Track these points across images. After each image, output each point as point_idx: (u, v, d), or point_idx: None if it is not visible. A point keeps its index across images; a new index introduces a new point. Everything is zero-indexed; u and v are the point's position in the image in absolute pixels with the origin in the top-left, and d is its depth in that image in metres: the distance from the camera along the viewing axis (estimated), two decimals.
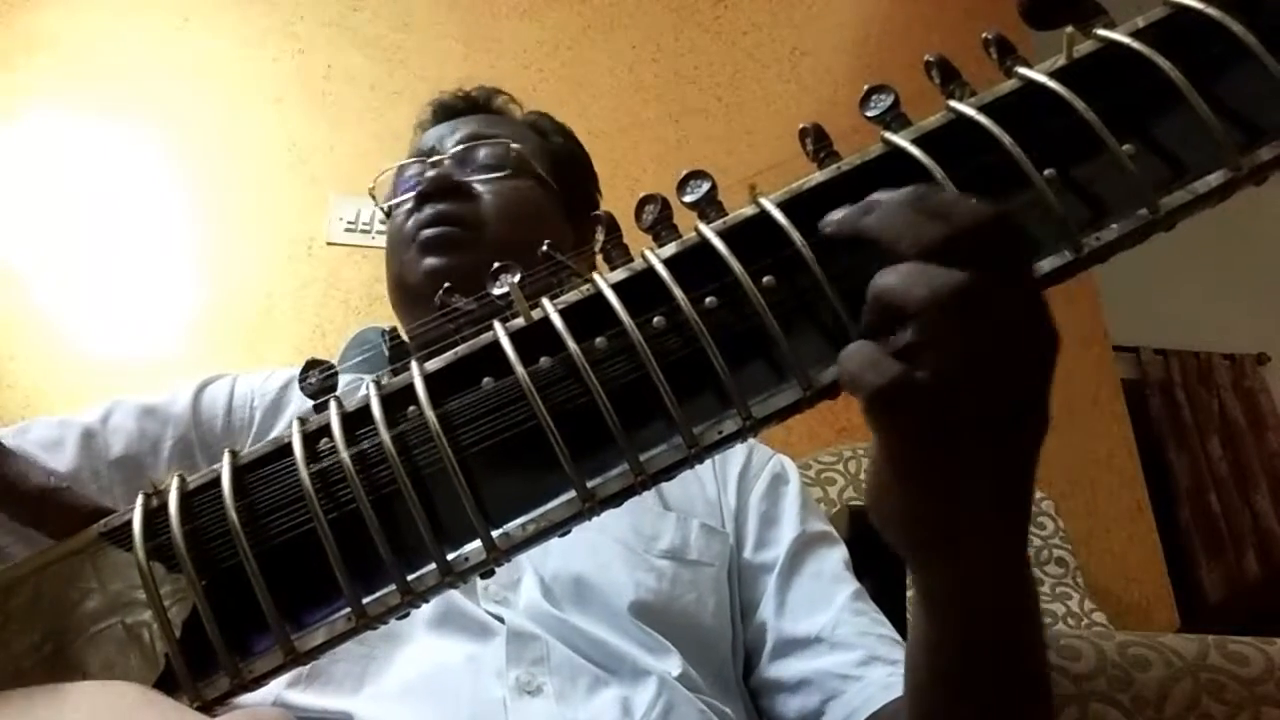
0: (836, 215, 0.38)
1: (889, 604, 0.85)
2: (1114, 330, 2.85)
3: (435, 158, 0.98)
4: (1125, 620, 2.27)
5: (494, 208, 0.95)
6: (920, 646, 0.55)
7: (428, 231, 0.92)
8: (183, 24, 2.39)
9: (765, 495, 0.88)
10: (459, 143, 1.00)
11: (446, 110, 1.08)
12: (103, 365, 2.02)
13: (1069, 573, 2.16)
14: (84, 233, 2.16)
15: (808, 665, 0.77)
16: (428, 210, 0.94)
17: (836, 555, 0.85)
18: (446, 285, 0.39)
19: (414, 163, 1.01)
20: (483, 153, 1.00)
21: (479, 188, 0.96)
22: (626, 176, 2.49)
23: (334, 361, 1.05)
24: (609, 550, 0.78)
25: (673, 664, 0.73)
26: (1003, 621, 0.49)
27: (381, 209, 1.03)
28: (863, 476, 2.10)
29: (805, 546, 0.84)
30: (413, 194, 0.96)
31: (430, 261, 0.91)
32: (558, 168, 1.04)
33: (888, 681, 0.72)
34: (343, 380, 0.90)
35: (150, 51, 2.35)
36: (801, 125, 0.41)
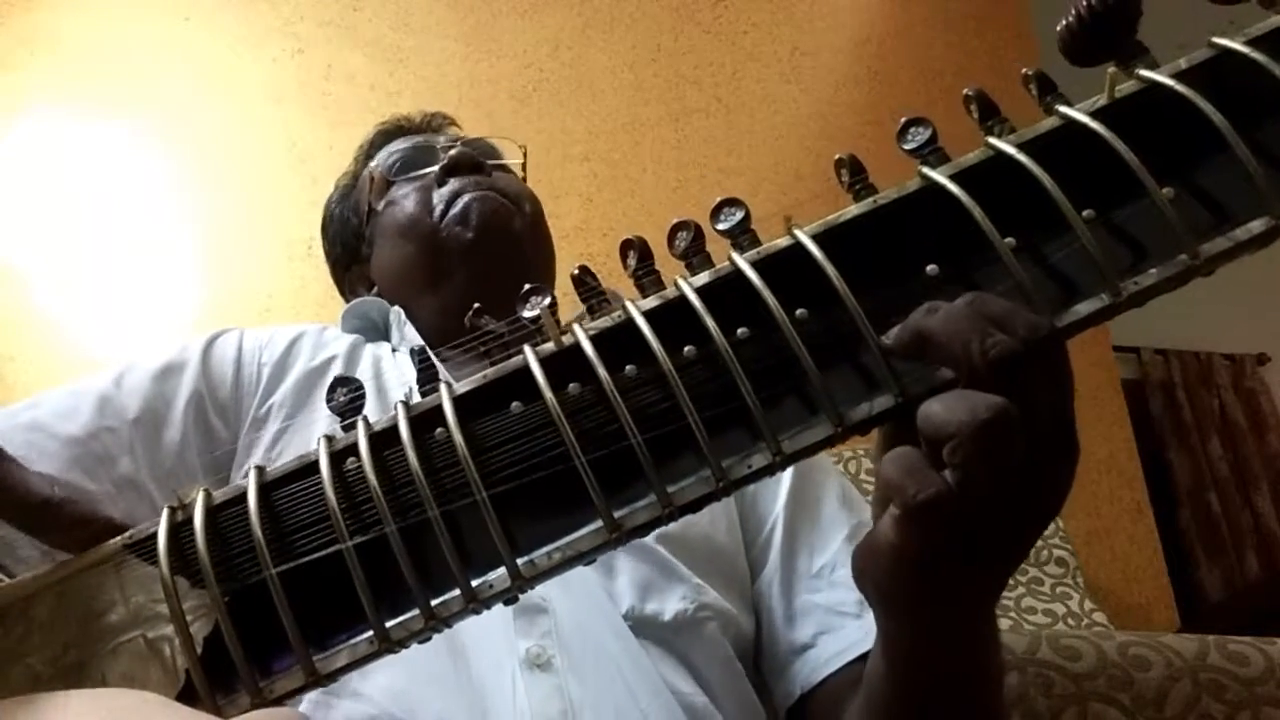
0: (896, 328, 0.38)
1: None
2: (1114, 330, 2.85)
3: (447, 143, 0.98)
4: (1125, 620, 2.27)
5: (517, 189, 0.97)
6: (876, 676, 0.55)
7: (472, 195, 0.92)
8: (183, 24, 2.38)
9: None
10: (457, 140, 1.00)
11: (398, 130, 1.07)
12: (102, 366, 2.00)
13: (1069, 573, 2.16)
14: (84, 233, 2.16)
15: (805, 599, 0.78)
16: (457, 182, 0.93)
17: (833, 493, 0.85)
18: (476, 306, 0.39)
19: (409, 149, 1.00)
20: (493, 146, 1.01)
21: (494, 173, 0.97)
22: (626, 177, 2.49)
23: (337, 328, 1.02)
24: None
25: (691, 597, 0.74)
26: (961, 668, 0.50)
27: (369, 202, 1.00)
28: (863, 476, 2.11)
29: (805, 481, 0.85)
30: (434, 169, 0.95)
31: (480, 219, 0.90)
32: None
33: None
34: (346, 341, 0.89)
35: (150, 51, 2.34)
36: (838, 156, 0.41)
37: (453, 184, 0.93)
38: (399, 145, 1.02)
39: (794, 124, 2.67)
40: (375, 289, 1.01)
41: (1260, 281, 3.82)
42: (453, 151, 0.95)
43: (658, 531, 0.75)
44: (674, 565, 0.75)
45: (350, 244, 1.05)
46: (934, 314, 0.37)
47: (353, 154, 1.10)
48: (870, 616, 0.72)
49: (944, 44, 2.88)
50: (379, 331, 0.97)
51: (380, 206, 0.98)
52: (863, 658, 0.70)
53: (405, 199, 0.95)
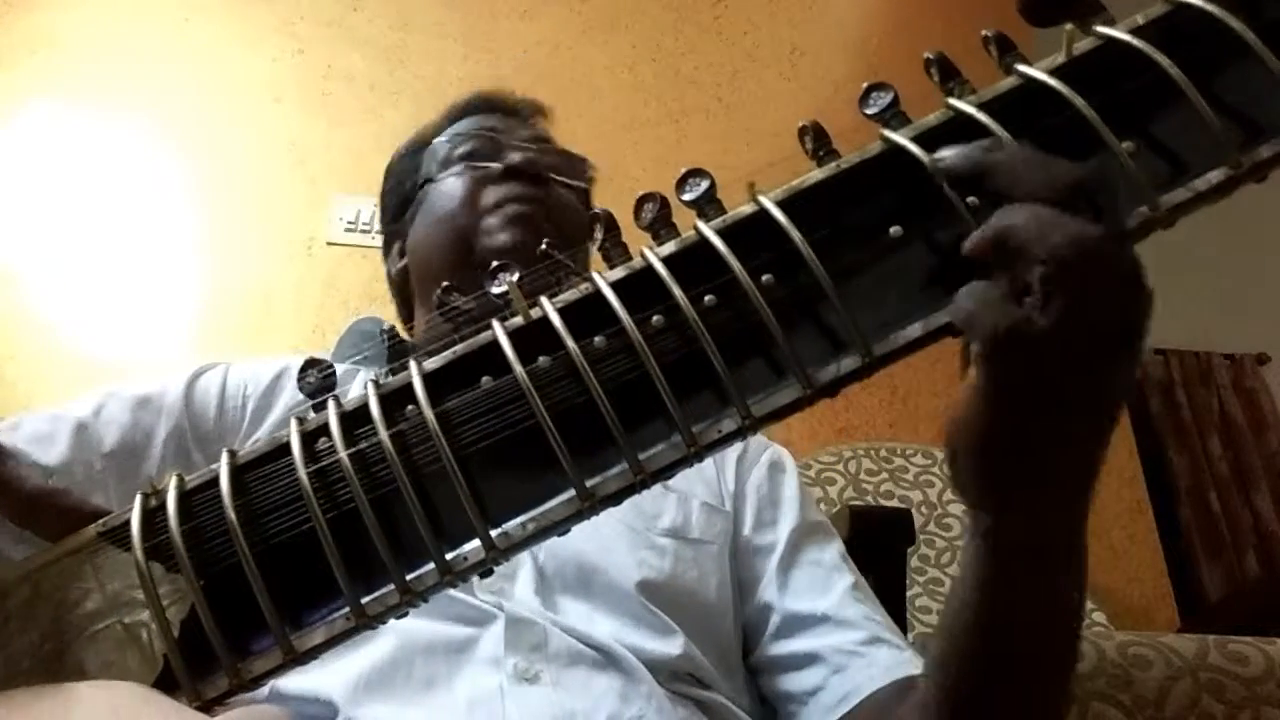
0: (950, 150, 0.38)
1: (889, 603, 0.86)
2: None
3: (522, 143, 0.99)
4: (1125, 620, 2.27)
5: (564, 208, 0.97)
6: (971, 588, 0.51)
7: (517, 207, 0.92)
8: (183, 23, 2.39)
9: (765, 479, 0.90)
10: (534, 139, 1.01)
11: (491, 105, 1.09)
12: (102, 365, 2.02)
13: None
14: (84, 232, 2.17)
15: (813, 642, 0.77)
16: (516, 186, 0.94)
17: (834, 547, 0.86)
18: (445, 284, 0.39)
19: (482, 137, 1.01)
20: (561, 158, 1.02)
21: (555, 189, 0.98)
22: (626, 176, 2.49)
23: (328, 357, 1.03)
24: (611, 530, 0.79)
25: (674, 645, 0.73)
26: (1057, 572, 0.48)
27: (428, 174, 1.02)
28: (863, 476, 2.11)
29: (805, 536, 0.85)
30: (496, 166, 0.96)
31: (515, 234, 0.90)
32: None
33: (891, 663, 0.72)
34: (339, 371, 0.90)
35: (150, 51, 2.35)
36: (801, 123, 0.41)
37: (508, 188, 0.94)
38: (477, 123, 1.03)
39: (794, 124, 2.66)
40: (404, 260, 1.03)
41: (1260, 281, 3.81)
42: (516, 158, 0.95)
43: (639, 580, 0.76)
44: (656, 616, 0.75)
45: (399, 204, 1.06)
46: (999, 148, 0.37)
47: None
48: (878, 651, 0.73)
49: (943, 44, 2.87)
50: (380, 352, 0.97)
51: (437, 177, 0.99)
52: (871, 696, 0.70)
53: (458, 181, 0.96)
